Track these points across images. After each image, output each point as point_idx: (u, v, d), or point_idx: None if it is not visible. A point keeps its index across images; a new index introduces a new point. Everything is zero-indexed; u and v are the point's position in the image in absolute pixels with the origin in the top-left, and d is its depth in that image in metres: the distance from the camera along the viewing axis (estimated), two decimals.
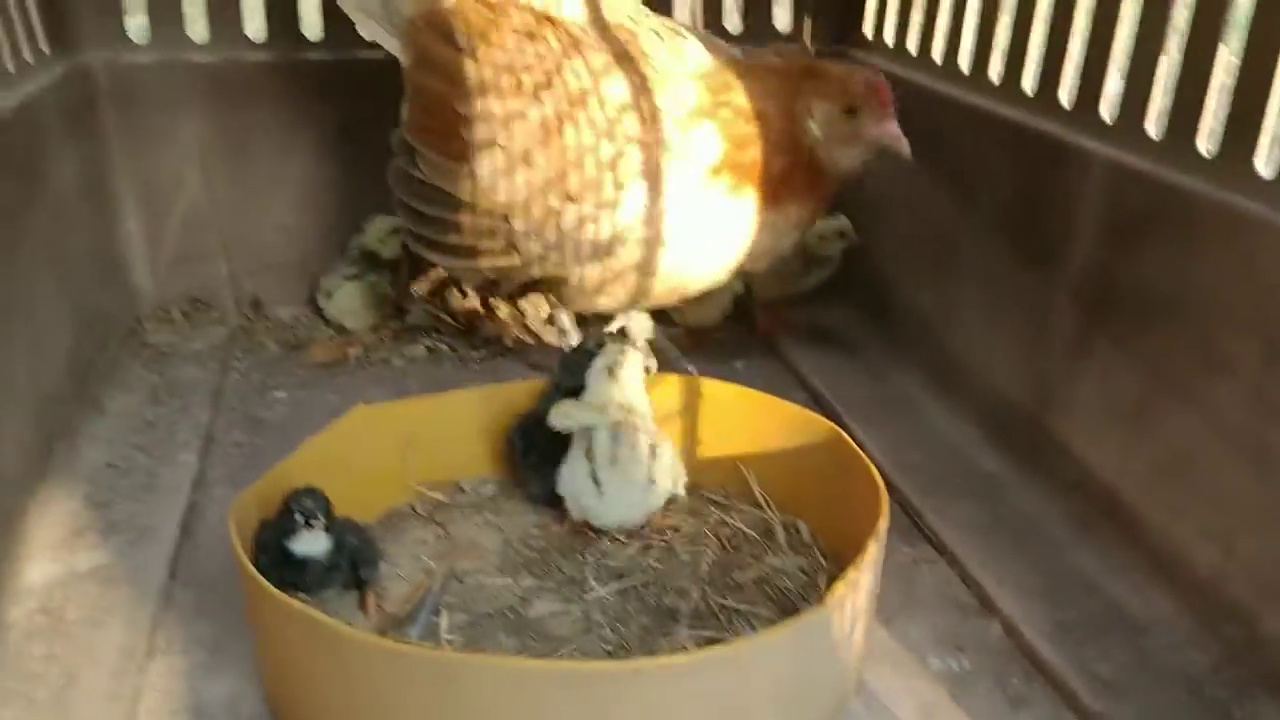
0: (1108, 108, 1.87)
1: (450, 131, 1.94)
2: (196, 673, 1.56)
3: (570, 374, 1.89)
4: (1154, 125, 1.77)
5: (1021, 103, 2.08)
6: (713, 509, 1.91)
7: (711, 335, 2.68)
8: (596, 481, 1.77)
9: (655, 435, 1.80)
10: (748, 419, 1.92)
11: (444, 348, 2.60)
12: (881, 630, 1.68)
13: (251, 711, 1.49)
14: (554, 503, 1.86)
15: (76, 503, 1.91)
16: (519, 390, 1.98)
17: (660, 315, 2.70)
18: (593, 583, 1.71)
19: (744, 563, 1.77)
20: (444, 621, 1.62)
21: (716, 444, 1.96)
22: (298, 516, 1.55)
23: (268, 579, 1.54)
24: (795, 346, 2.63)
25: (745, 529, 1.85)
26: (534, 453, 1.88)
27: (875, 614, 1.69)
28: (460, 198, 1.96)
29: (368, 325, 2.66)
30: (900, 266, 2.54)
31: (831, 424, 1.81)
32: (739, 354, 2.63)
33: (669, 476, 1.80)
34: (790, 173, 1.91)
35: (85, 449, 2.08)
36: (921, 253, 2.42)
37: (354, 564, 1.63)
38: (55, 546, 1.79)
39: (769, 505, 1.90)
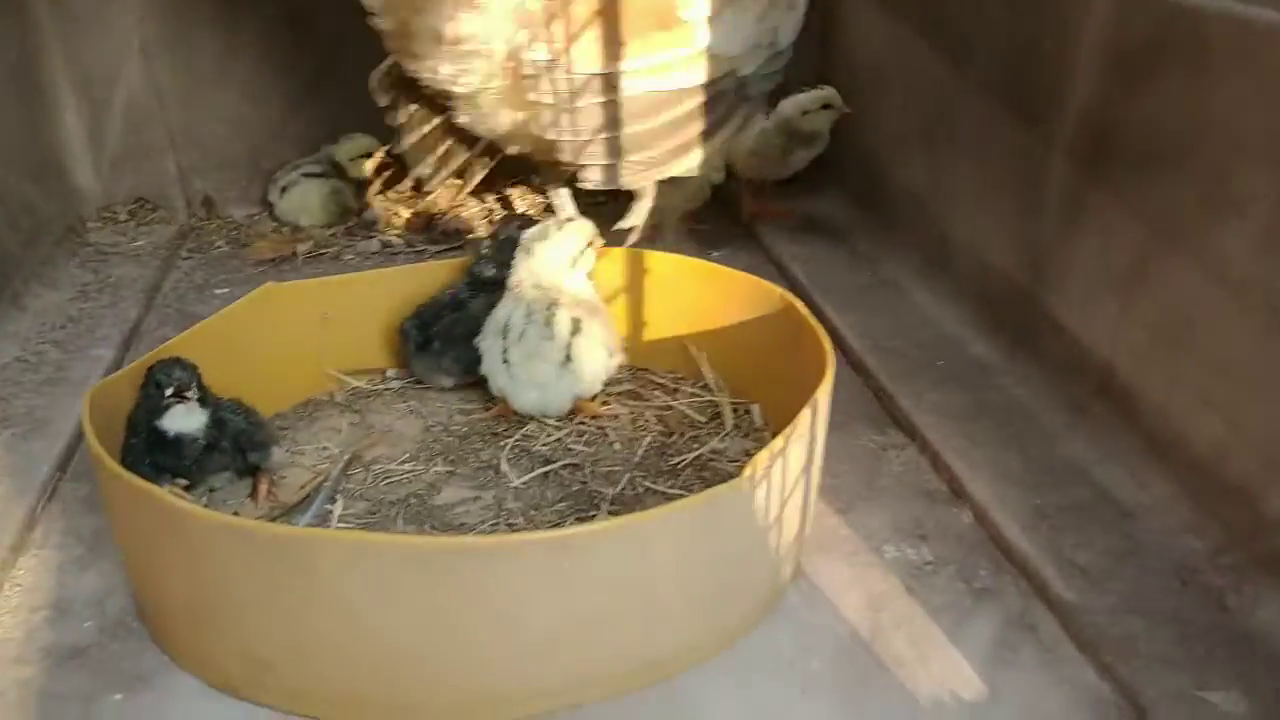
0: None
1: None
2: (69, 567, 1.42)
3: (488, 261, 1.72)
4: None
5: None
6: (657, 393, 1.72)
7: (690, 223, 2.48)
8: (506, 361, 1.59)
9: (586, 312, 1.61)
10: (696, 293, 1.73)
11: (398, 242, 2.42)
12: (834, 518, 1.49)
13: (119, 606, 1.34)
14: (477, 385, 1.69)
15: None
16: (445, 269, 1.80)
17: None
18: (506, 468, 1.53)
19: (684, 448, 1.59)
20: (338, 509, 1.45)
21: (665, 323, 1.77)
22: (164, 388, 1.38)
23: (139, 465, 1.39)
24: (778, 234, 2.42)
25: (691, 413, 1.67)
26: (437, 340, 1.71)
27: (827, 502, 1.51)
28: None
29: (321, 224, 2.49)
30: (892, 145, 2.31)
31: (783, 291, 1.61)
32: (718, 242, 2.43)
33: (595, 357, 1.61)
34: None
35: None
36: (914, 127, 2.19)
37: (240, 447, 1.47)
38: None
39: (718, 387, 1.71)
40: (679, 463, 1.54)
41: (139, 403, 1.42)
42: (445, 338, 1.68)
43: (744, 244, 2.43)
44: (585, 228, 1.70)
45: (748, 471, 1.17)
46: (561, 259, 1.64)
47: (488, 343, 1.61)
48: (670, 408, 1.68)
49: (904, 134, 2.25)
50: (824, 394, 1.33)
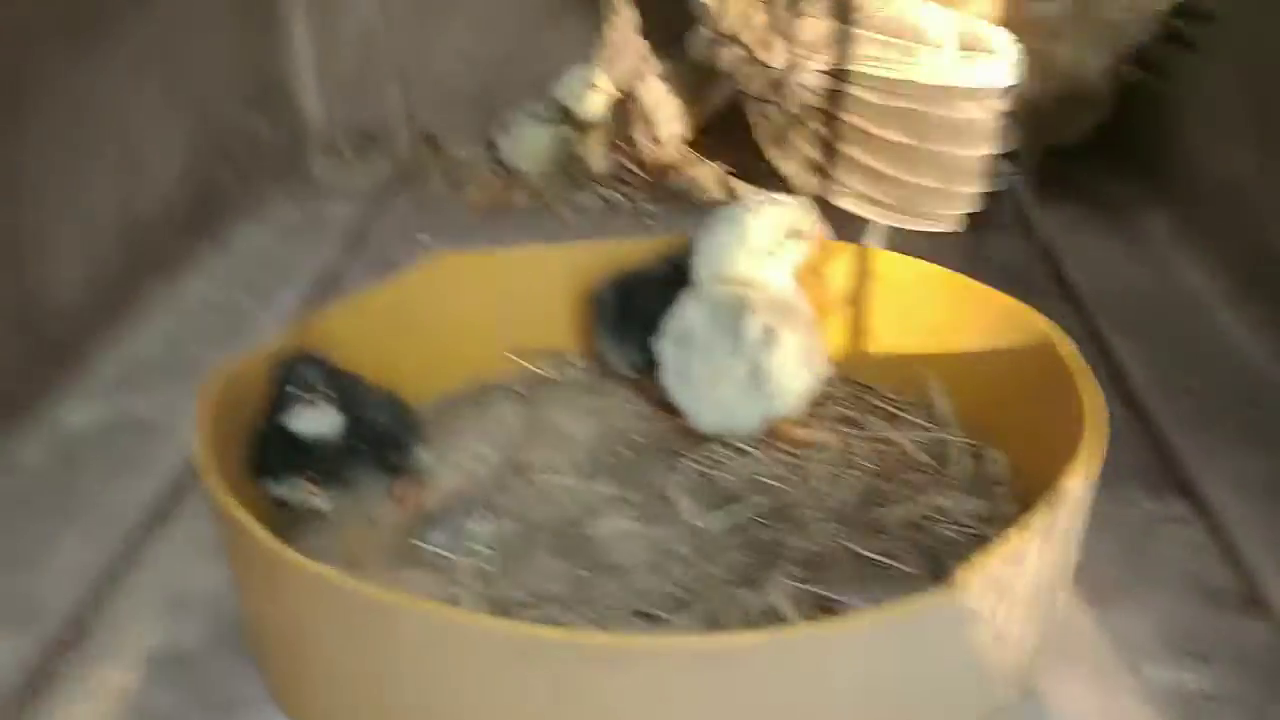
0: None
1: None
2: (203, 552, 1.29)
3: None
4: None
5: None
6: (876, 419, 1.44)
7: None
8: (686, 376, 1.35)
9: (782, 317, 1.34)
10: (938, 307, 1.42)
11: (621, 199, 2.20)
12: (1082, 616, 1.18)
13: (235, 611, 1.21)
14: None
15: (145, 343, 1.69)
16: (650, 249, 1.56)
17: None
18: (682, 500, 1.29)
19: (900, 497, 1.30)
20: (483, 528, 1.26)
21: (896, 336, 1.47)
22: (290, 390, 1.22)
23: (273, 468, 1.25)
24: (1060, 218, 2.04)
25: (914, 451, 1.37)
26: (638, 317, 1.44)
27: (1076, 591, 1.19)
28: None
29: (543, 171, 2.31)
30: (1211, 124, 1.88)
31: (1045, 320, 1.28)
32: (981, 229, 2.08)
33: (792, 375, 1.33)
34: None
35: (187, 283, 1.86)
36: (1246, 99, 1.76)
37: (381, 447, 1.29)
38: (104, 389, 1.57)
39: (952, 422, 1.40)
40: (890, 518, 1.26)
41: (271, 401, 1.26)
42: (648, 315, 1.41)
43: (1016, 234, 2.05)
44: (790, 211, 1.41)
45: (959, 578, 0.89)
46: (754, 247, 1.37)
47: (666, 349, 1.37)
48: (889, 442, 1.39)
49: (1231, 107, 1.82)
50: (1086, 472, 1.01)
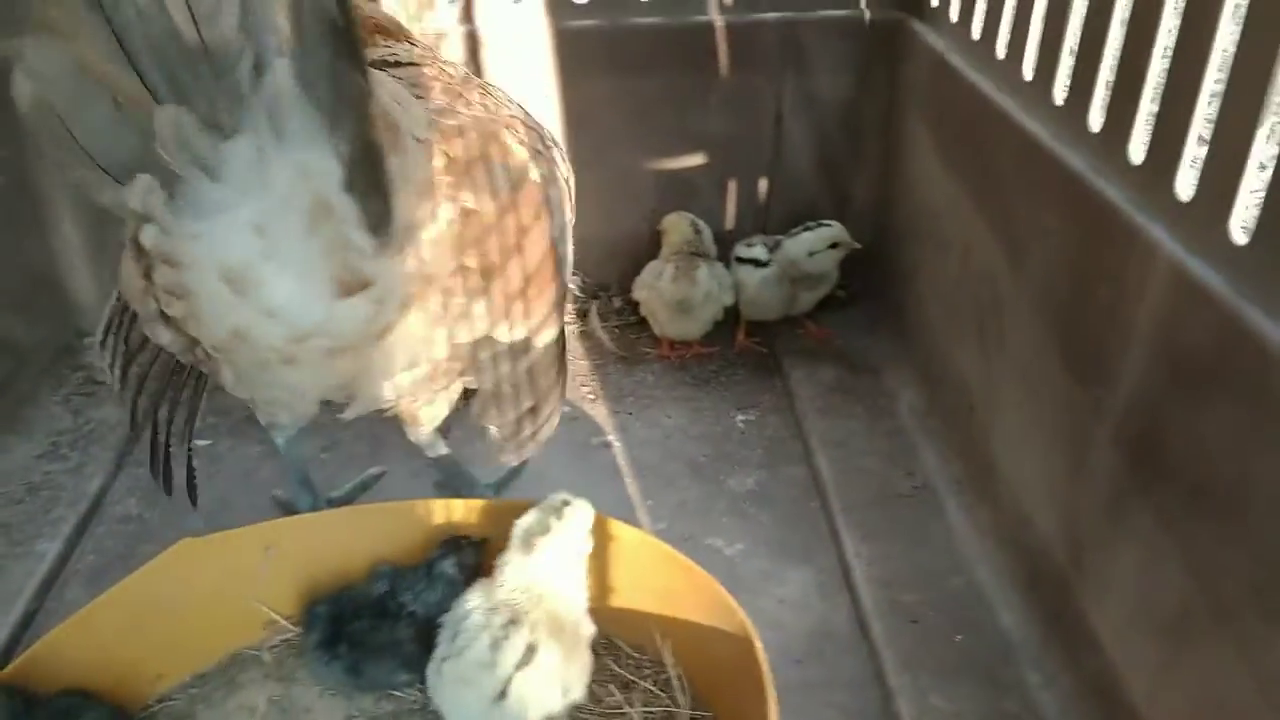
0: (1185, 181, 1.30)
1: None
2: None
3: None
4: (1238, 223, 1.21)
5: (1084, 142, 1.50)
6: (612, 687, 1.50)
7: (693, 350, 2.33)
8: (441, 668, 1.39)
9: (552, 633, 1.38)
10: (660, 577, 1.50)
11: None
12: None
13: None
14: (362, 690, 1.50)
15: None
16: (399, 512, 1.60)
17: (643, 327, 2.37)
18: None
19: None
20: None
21: (633, 595, 1.54)
22: None
23: None
24: (815, 396, 2.15)
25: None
26: (345, 642, 1.49)
27: None
28: None
29: None
30: (949, 316, 2.00)
31: (744, 619, 1.36)
32: (749, 400, 2.19)
33: (540, 697, 1.35)
34: None
35: None
36: (968, 309, 1.88)
37: None
38: None
39: (682, 688, 1.48)
40: None
41: None
42: (355, 643, 1.48)
43: (775, 406, 2.17)
44: (588, 510, 1.48)
45: None
46: (570, 554, 1.43)
47: (440, 640, 1.41)
48: (623, 713, 1.46)
49: (957, 311, 1.94)
50: None
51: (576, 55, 2.27)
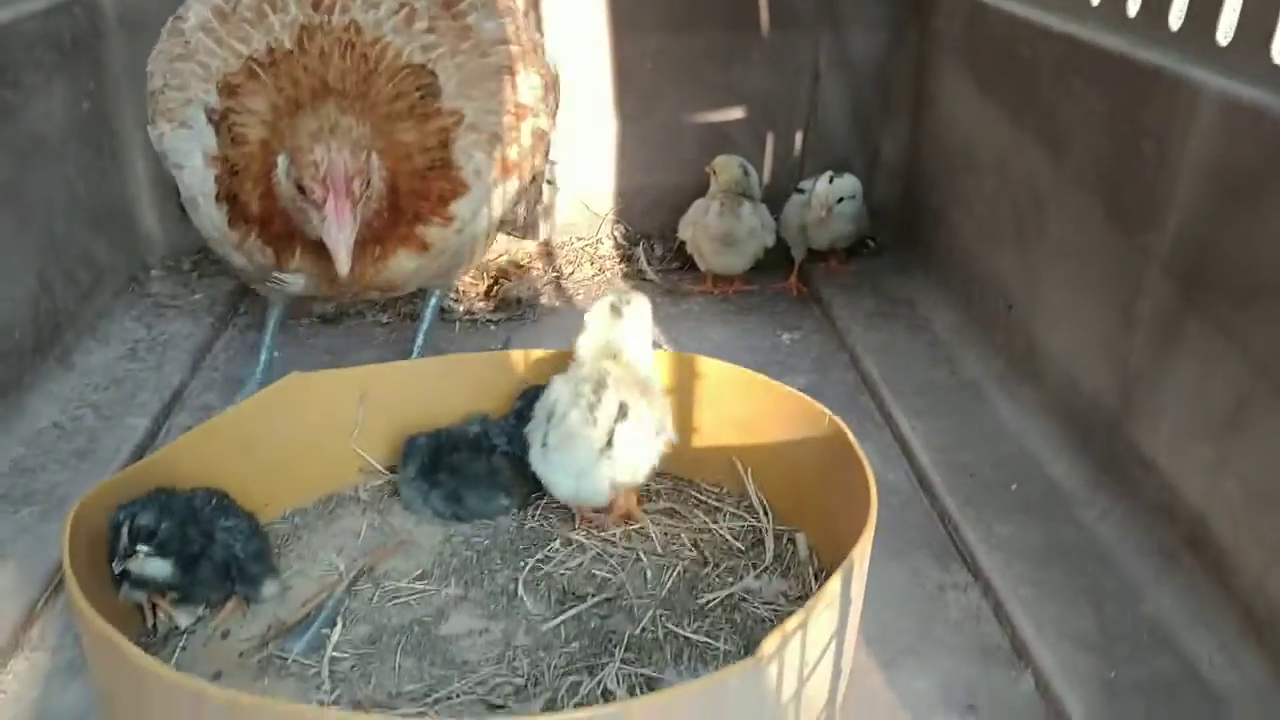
0: (1224, 29, 1.46)
1: None
2: (58, 676, 1.35)
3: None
4: None
5: (1124, 28, 1.67)
6: (698, 512, 1.59)
7: (735, 286, 2.45)
8: (545, 444, 1.49)
9: (638, 393, 1.50)
10: (744, 405, 1.59)
11: (457, 308, 2.34)
12: (877, 675, 1.35)
13: None
14: (460, 519, 1.60)
15: (1, 463, 1.72)
16: (487, 362, 1.70)
17: (686, 271, 2.49)
18: (524, 597, 1.42)
19: (717, 581, 1.45)
20: (336, 634, 1.36)
21: (712, 431, 1.64)
22: (122, 545, 1.31)
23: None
24: (855, 316, 2.27)
25: (731, 538, 1.53)
26: (445, 471, 1.58)
27: (873, 652, 1.37)
28: None
29: None
30: (983, 232, 2.14)
31: (831, 416, 1.47)
32: (793, 322, 2.31)
33: (641, 445, 1.49)
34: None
35: (35, 405, 1.90)
36: (1006, 216, 2.02)
37: (228, 577, 1.39)
38: None
39: (765, 511, 1.57)
40: (709, 601, 1.41)
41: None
42: (455, 471, 1.57)
43: (818, 328, 2.29)
44: (646, 304, 1.62)
45: (761, 651, 1.04)
46: (638, 322, 1.57)
47: (533, 427, 1.54)
48: (709, 531, 1.55)
49: (995, 222, 2.08)
50: (860, 553, 1.18)
51: (626, 11, 2.43)
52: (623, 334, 1.55)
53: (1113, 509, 1.60)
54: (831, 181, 2.33)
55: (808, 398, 1.51)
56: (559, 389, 1.51)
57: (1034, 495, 1.67)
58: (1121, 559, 1.51)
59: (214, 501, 1.41)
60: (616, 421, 1.46)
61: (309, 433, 1.61)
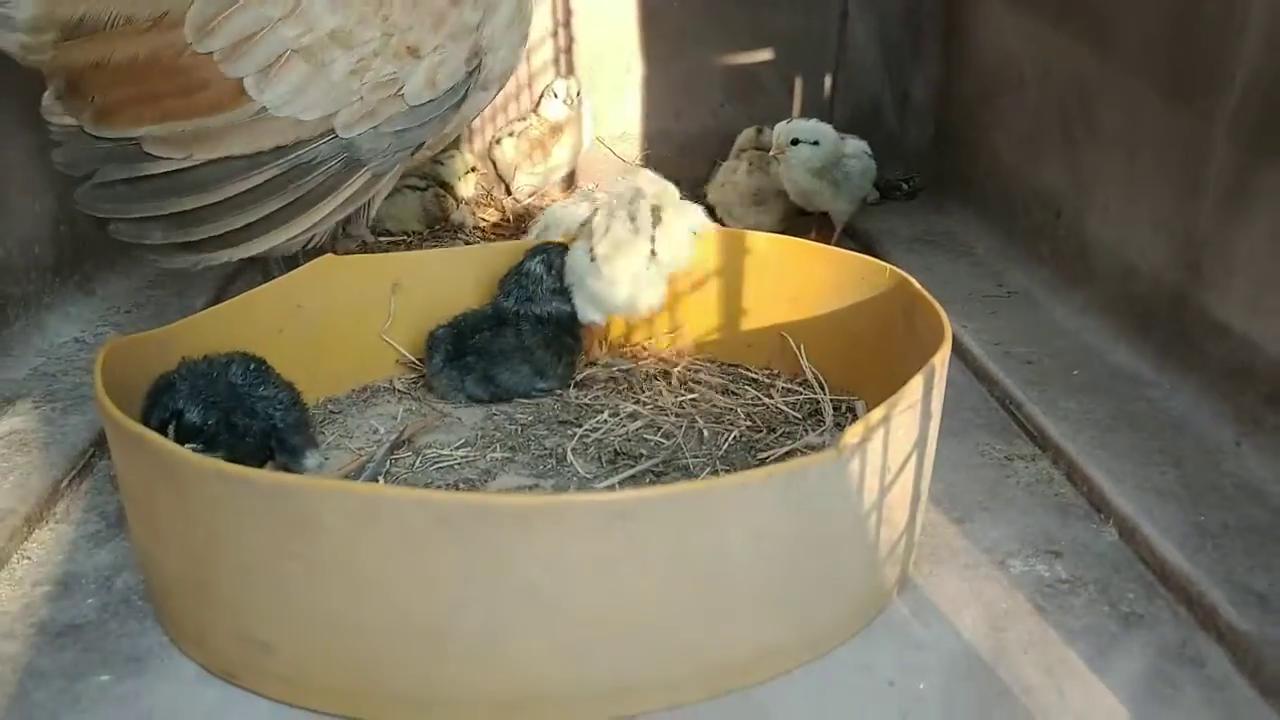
0: None
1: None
2: (83, 544, 1.28)
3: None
4: None
5: None
6: (749, 389, 1.52)
7: None
8: (596, 264, 1.49)
9: (660, 195, 1.58)
10: (795, 275, 1.53)
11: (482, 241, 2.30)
12: (950, 528, 1.27)
13: (127, 584, 1.19)
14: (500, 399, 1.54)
15: (21, 371, 1.66)
16: (512, 251, 1.63)
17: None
18: (574, 461, 1.35)
19: (776, 443, 1.38)
20: None
21: (759, 312, 1.58)
22: (163, 417, 1.24)
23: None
24: (894, 246, 2.21)
25: (787, 409, 1.46)
26: (472, 354, 1.52)
27: (943, 511, 1.29)
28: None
29: (411, 231, 2.39)
30: (1023, 148, 2.09)
31: (893, 268, 1.41)
32: None
33: (682, 238, 1.55)
34: None
35: (55, 324, 1.84)
36: (1049, 125, 1.97)
37: (268, 447, 1.33)
38: None
39: (820, 384, 1.50)
40: (769, 458, 1.34)
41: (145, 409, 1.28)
42: (481, 352, 1.51)
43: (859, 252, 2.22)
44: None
45: (843, 442, 0.97)
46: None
47: (574, 253, 1.55)
48: (763, 405, 1.48)
49: (1036, 135, 2.03)
50: (940, 360, 1.11)
51: None
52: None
53: (1182, 384, 1.53)
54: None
55: (861, 255, 1.45)
56: (582, 210, 1.59)
57: (1098, 377, 1.60)
58: (1198, 427, 1.44)
59: (251, 367, 1.34)
60: (655, 226, 1.51)
61: (342, 318, 1.55)
